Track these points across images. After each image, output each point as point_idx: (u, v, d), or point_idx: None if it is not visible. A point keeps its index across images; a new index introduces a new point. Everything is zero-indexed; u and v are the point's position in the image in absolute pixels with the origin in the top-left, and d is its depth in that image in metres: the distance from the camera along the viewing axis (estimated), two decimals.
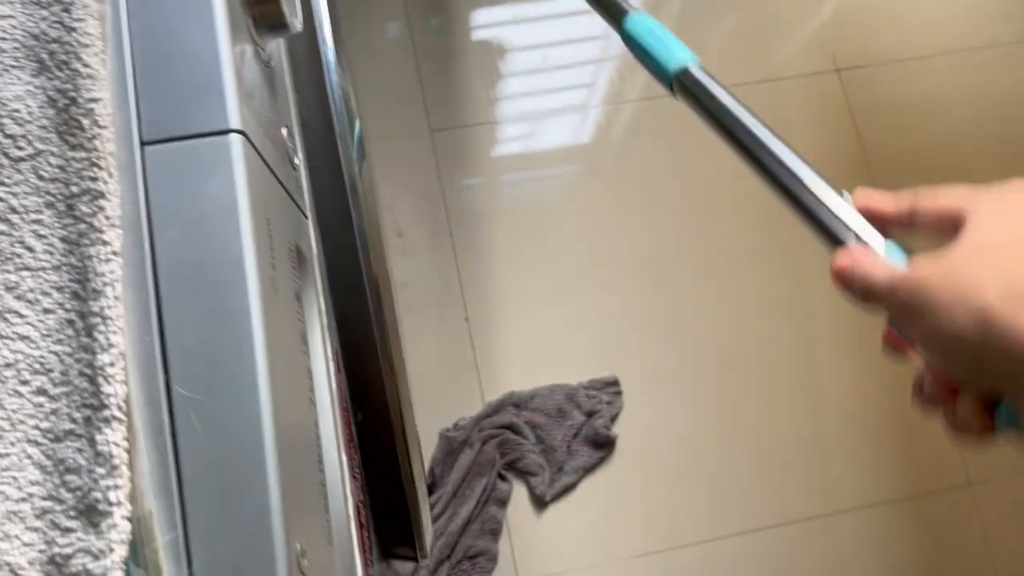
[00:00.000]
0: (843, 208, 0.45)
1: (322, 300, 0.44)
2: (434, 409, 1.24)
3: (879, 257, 0.41)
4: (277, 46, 0.45)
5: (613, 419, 1.27)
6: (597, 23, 1.50)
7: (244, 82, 0.36)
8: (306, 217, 0.44)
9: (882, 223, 0.43)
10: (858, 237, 0.43)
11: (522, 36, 1.45)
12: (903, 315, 0.39)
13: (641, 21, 0.67)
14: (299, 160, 0.45)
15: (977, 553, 1.25)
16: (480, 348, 1.28)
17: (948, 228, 0.40)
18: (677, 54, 0.57)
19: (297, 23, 0.42)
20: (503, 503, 1.22)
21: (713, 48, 1.47)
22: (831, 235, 0.44)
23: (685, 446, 1.27)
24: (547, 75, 1.44)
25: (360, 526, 0.46)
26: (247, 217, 0.33)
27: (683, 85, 0.56)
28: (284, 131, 0.43)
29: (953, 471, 1.28)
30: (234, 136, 0.34)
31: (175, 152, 0.33)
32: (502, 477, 1.22)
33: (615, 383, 1.29)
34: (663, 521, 1.23)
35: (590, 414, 1.26)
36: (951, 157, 1.44)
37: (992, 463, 1.29)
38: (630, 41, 0.64)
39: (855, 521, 1.25)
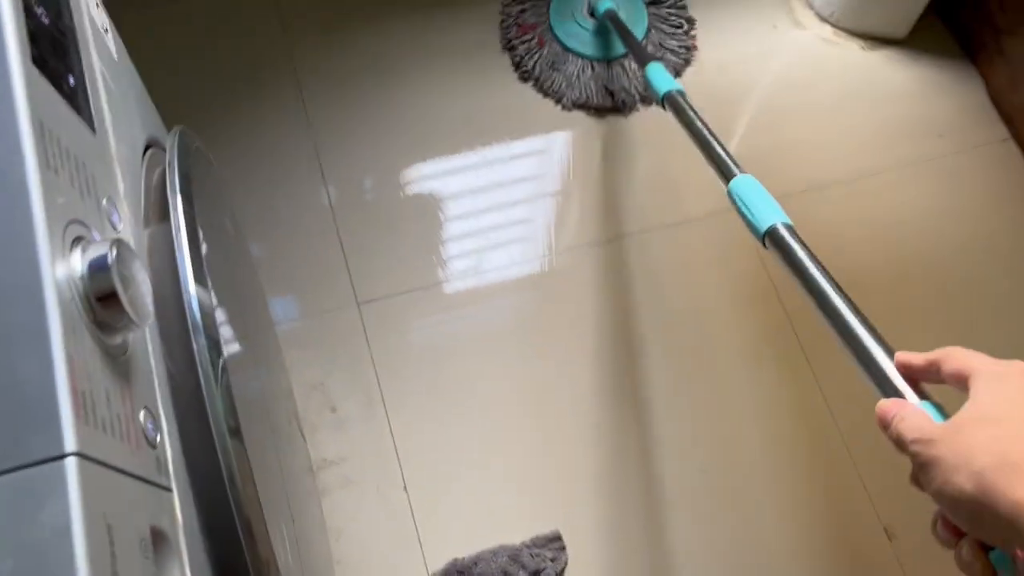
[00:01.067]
0: (890, 368, 0.57)
1: (188, 572, 0.46)
2: None
3: (914, 413, 0.52)
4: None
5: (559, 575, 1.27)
6: (527, 170, 1.57)
7: (87, 393, 0.40)
8: (168, 490, 0.47)
9: (915, 377, 0.55)
10: (899, 392, 0.55)
11: (449, 192, 1.53)
12: (920, 467, 0.48)
13: (743, 181, 0.95)
14: (163, 434, 0.48)
15: None
16: (420, 517, 1.29)
17: (962, 385, 0.50)
18: (770, 214, 0.80)
19: (148, 315, 0.45)
20: None
21: (633, 193, 1.56)
22: (881, 387, 0.57)
23: None
24: (477, 237, 1.51)
25: None
26: (80, 540, 0.35)
27: (773, 240, 0.64)
28: (143, 414, 0.46)
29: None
30: (70, 460, 0.37)
31: (8, 484, 0.36)
32: None
33: (558, 538, 1.29)
34: None
35: (535, 573, 1.26)
36: (851, 278, 1.51)
37: (929, 573, 1.30)
38: (733, 199, 0.88)
39: None
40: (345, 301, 1.43)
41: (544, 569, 1.26)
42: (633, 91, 1.62)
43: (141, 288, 0.46)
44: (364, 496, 1.30)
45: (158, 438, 0.47)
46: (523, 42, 1.64)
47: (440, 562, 1.26)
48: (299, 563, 0.96)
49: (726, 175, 0.96)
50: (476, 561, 1.26)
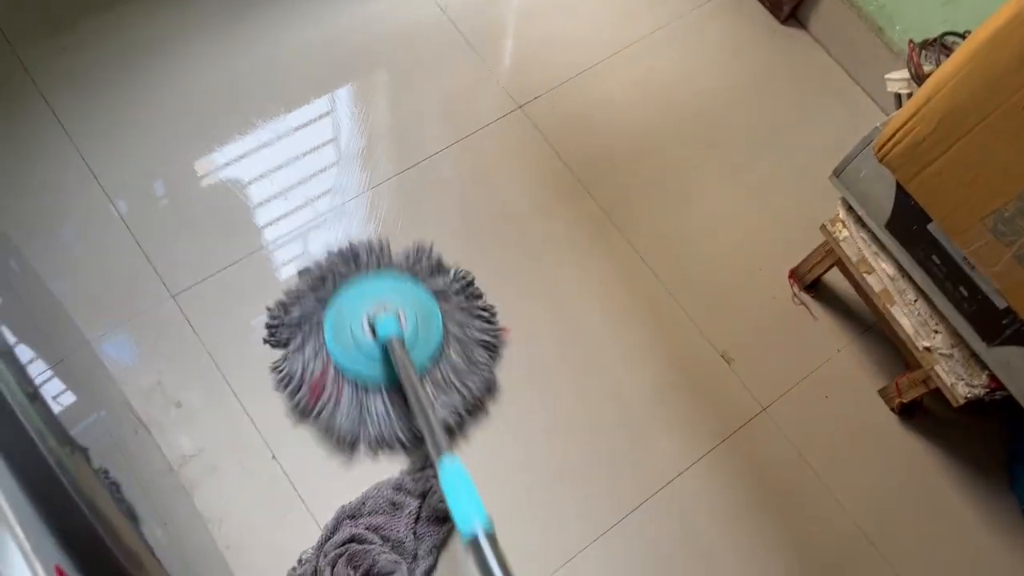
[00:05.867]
0: None
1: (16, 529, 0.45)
2: (276, 553, 1.23)
3: None
4: None
5: None
6: (317, 134, 1.55)
7: None
8: None
9: None
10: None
11: (235, 183, 1.49)
12: None
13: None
14: None
15: (794, 463, 1.39)
16: (296, 478, 1.29)
17: None
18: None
19: None
20: None
21: (424, 124, 1.58)
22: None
23: (521, 485, 1.32)
24: (280, 201, 1.48)
25: None
26: None
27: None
28: None
29: (745, 406, 1.42)
30: None
31: None
32: None
33: None
34: (528, 557, 1.28)
35: (423, 495, 1.29)
36: (639, 143, 1.62)
37: (770, 386, 1.44)
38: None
39: (686, 482, 1.35)
40: (159, 298, 1.38)
41: (431, 487, 1.29)
42: None
43: None
44: (234, 478, 1.28)
45: None
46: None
47: (328, 514, 1.26)
48: (182, 563, 0.95)
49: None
50: (363, 501, 1.28)
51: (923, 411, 1.45)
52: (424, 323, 1.36)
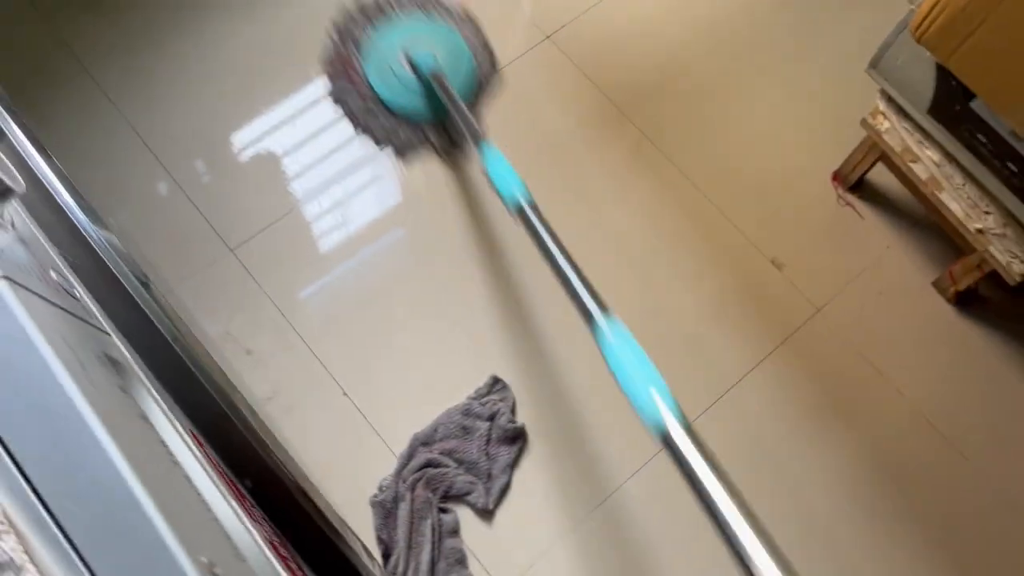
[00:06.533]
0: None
1: (154, 392, 0.49)
2: (356, 483, 1.28)
3: None
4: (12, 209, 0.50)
5: (513, 411, 1.35)
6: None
7: None
8: (107, 334, 0.50)
9: None
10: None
11: (280, 141, 1.53)
12: None
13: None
14: (79, 292, 0.50)
15: (853, 359, 1.40)
16: (369, 412, 1.33)
17: None
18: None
19: (19, 185, 0.47)
20: (455, 532, 1.26)
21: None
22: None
23: (581, 404, 1.36)
24: (318, 167, 1.52)
25: (281, 557, 0.51)
26: (38, 336, 0.38)
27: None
28: (53, 274, 0.48)
29: (799, 309, 1.43)
30: (2, 282, 0.39)
31: None
32: (443, 511, 1.27)
33: (498, 380, 1.36)
34: (598, 471, 1.31)
35: (491, 417, 1.33)
36: (673, 67, 1.62)
37: (823, 287, 1.45)
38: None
39: (749, 386, 1.37)
40: (219, 252, 1.42)
41: (498, 410, 1.33)
42: None
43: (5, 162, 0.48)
44: (310, 416, 1.33)
45: (76, 293, 0.50)
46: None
47: (403, 443, 1.31)
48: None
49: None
50: (435, 428, 1.32)
51: (979, 299, 1.45)
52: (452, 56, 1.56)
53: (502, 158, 1.12)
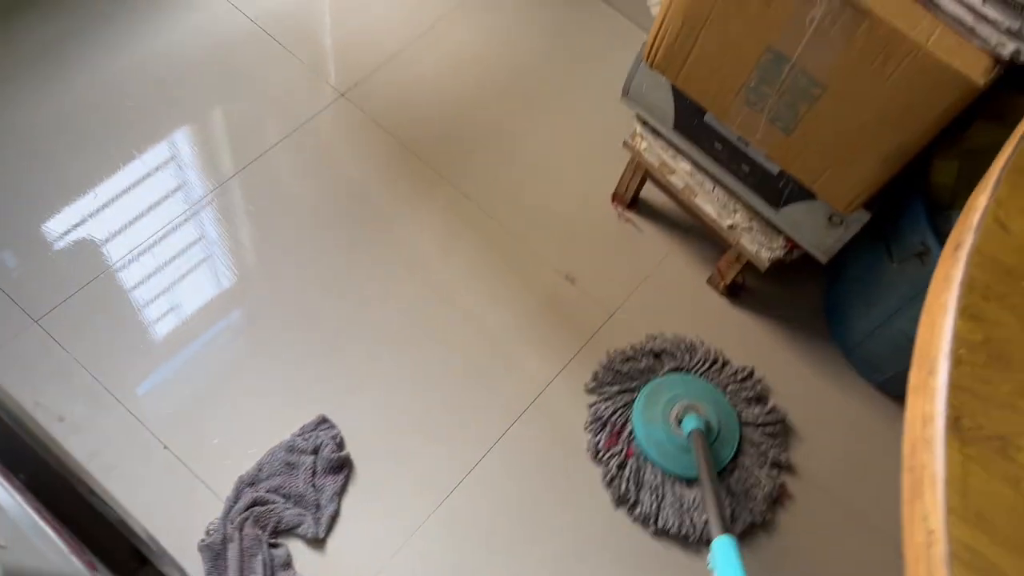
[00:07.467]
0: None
1: None
2: (185, 533, 1.28)
3: None
4: None
5: (339, 444, 1.40)
6: (167, 180, 1.59)
7: None
8: None
9: None
10: None
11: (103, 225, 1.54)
12: None
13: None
14: None
15: None
16: (192, 463, 1.35)
17: None
18: None
19: None
20: (288, 565, 1.29)
21: (256, 125, 1.67)
22: None
23: (403, 426, 1.43)
24: (131, 216, 1.54)
25: (64, 538, 0.55)
26: None
27: None
28: None
29: (593, 314, 1.57)
30: None
31: None
32: (274, 546, 1.30)
33: (324, 420, 1.41)
34: (425, 484, 1.38)
35: (315, 451, 1.37)
36: (466, 111, 1.77)
37: (612, 292, 1.60)
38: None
39: (553, 394, 1.49)
40: (21, 324, 1.41)
41: (321, 442, 1.38)
42: None
43: None
44: (131, 474, 1.32)
45: None
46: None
47: (228, 487, 1.33)
48: None
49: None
50: (259, 467, 1.35)
51: (746, 290, 1.64)
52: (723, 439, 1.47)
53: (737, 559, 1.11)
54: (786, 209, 1.39)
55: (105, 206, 1.55)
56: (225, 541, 1.28)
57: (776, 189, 1.38)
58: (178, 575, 0.89)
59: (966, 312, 0.65)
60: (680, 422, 1.44)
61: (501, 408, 1.47)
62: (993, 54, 1.02)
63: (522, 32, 1.90)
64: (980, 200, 0.71)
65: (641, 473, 1.43)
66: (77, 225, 1.52)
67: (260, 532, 1.29)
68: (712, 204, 1.50)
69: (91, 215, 1.53)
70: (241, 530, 1.29)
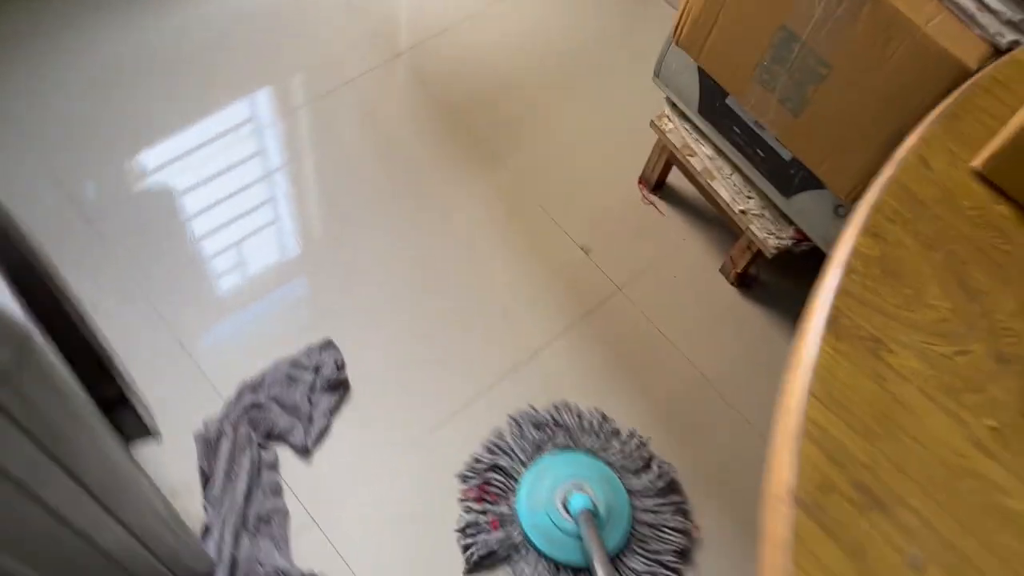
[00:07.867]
0: None
1: None
2: (186, 426, 1.38)
3: None
4: None
5: (340, 366, 1.48)
6: (249, 146, 1.72)
7: None
8: None
9: None
10: None
11: (184, 177, 1.68)
12: None
13: None
14: None
15: (652, 335, 1.58)
16: (202, 360, 1.45)
17: None
18: None
19: None
20: (273, 466, 1.37)
21: (294, 75, 1.79)
22: None
23: (402, 361, 1.50)
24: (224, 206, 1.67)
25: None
26: None
27: None
28: None
29: (601, 286, 1.62)
30: None
31: None
32: (263, 447, 1.38)
33: (329, 343, 1.50)
34: (413, 421, 1.45)
35: (317, 369, 1.46)
36: (509, 86, 1.85)
37: (624, 268, 1.64)
38: None
39: (550, 354, 1.54)
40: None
41: (324, 363, 1.46)
42: None
43: None
44: (146, 364, 1.43)
45: None
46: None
47: (231, 390, 1.42)
48: None
49: None
50: (263, 376, 1.44)
51: (758, 282, 1.66)
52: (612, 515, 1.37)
53: None
54: (796, 198, 1.42)
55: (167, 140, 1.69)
56: (220, 435, 1.37)
57: (788, 176, 1.41)
58: (145, 414, 0.97)
59: (869, 230, 0.69)
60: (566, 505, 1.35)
61: (495, 363, 1.52)
62: (991, 43, 1.04)
63: (570, 16, 1.98)
64: (910, 139, 0.75)
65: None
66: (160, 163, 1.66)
67: (253, 432, 1.38)
68: (728, 189, 1.53)
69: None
70: (236, 428, 1.38)
